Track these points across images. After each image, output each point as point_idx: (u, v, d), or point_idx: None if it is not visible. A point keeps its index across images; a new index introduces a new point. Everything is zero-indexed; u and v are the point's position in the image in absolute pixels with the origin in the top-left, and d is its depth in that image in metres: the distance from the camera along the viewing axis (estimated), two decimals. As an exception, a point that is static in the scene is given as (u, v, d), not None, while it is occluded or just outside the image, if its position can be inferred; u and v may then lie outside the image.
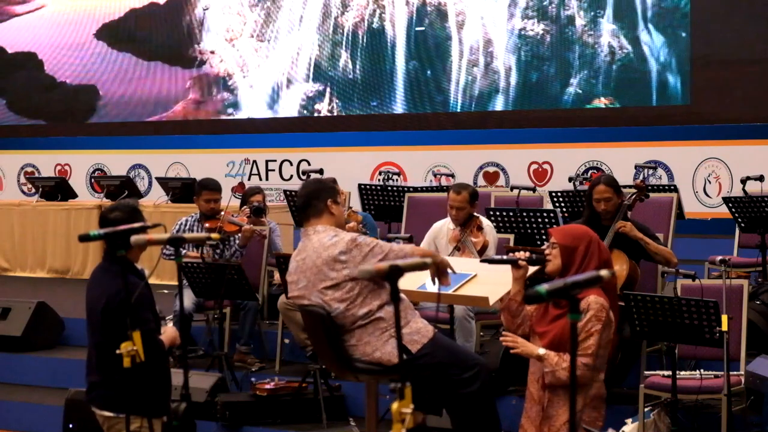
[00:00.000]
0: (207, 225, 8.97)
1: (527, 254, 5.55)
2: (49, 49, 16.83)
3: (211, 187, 9.22)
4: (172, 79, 16.06)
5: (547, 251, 5.50)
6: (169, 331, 5.49)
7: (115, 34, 16.37)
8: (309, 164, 14.54)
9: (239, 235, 8.97)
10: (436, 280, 5.59)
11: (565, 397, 5.35)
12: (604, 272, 3.76)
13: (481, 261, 5.88)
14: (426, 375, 5.80)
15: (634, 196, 7.90)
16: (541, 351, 5.37)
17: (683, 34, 12.95)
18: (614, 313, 5.50)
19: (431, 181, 13.45)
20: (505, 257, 5.69)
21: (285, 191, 10.29)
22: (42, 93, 16.89)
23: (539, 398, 5.49)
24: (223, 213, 9.05)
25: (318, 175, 10.49)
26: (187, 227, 9.07)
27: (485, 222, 8.21)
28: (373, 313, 5.72)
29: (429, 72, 14.39)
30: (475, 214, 8.15)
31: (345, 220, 6.23)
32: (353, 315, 5.70)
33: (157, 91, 16.13)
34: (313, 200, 5.85)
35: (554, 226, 8.48)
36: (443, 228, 8.22)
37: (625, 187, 8.00)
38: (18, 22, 17.03)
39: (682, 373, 6.87)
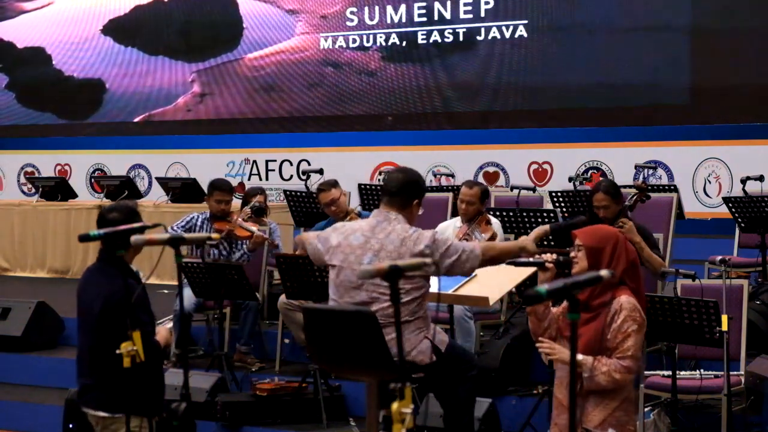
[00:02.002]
0: (216, 226, 8.95)
1: (554, 256, 5.45)
2: (57, 44, 16.99)
3: (223, 188, 9.20)
4: (176, 73, 16.12)
5: (572, 254, 5.40)
6: (162, 332, 5.49)
7: (121, 29, 16.53)
8: (309, 164, 14.55)
9: (249, 240, 8.96)
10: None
11: (595, 401, 5.24)
12: (604, 272, 3.75)
13: (507, 263, 5.81)
14: (444, 368, 5.95)
15: (635, 197, 7.91)
16: (579, 357, 5.19)
17: (684, 35, 12.94)
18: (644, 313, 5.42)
19: (431, 181, 13.44)
20: (531, 260, 5.58)
21: (285, 191, 10.28)
22: (50, 87, 17.02)
23: (569, 404, 5.36)
24: (236, 217, 9.02)
25: (318, 175, 10.54)
26: (199, 223, 9.04)
27: (493, 219, 8.27)
28: (418, 313, 5.79)
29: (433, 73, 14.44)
30: (483, 211, 8.20)
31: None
32: (407, 309, 5.71)
33: (161, 84, 16.21)
34: (405, 192, 5.88)
35: (552, 221, 8.49)
36: (450, 227, 8.25)
37: (625, 187, 8.01)
38: (27, 19, 17.25)
39: (682, 373, 6.87)
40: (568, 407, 5.27)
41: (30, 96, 17.19)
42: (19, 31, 17.25)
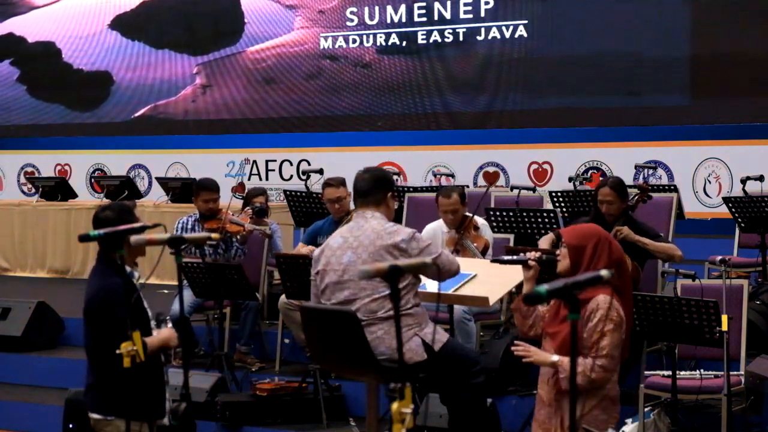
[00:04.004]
0: (206, 226, 8.93)
1: (537, 254, 5.50)
2: (66, 38, 17.19)
3: (210, 187, 9.17)
4: (180, 65, 16.21)
5: (557, 251, 5.44)
6: (164, 332, 5.39)
7: (127, 24, 16.73)
8: (309, 164, 14.55)
9: (240, 235, 8.95)
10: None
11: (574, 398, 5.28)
12: (604, 272, 3.75)
13: (492, 261, 5.85)
14: (443, 369, 5.95)
15: (636, 197, 7.92)
16: (555, 358, 5.24)
17: (683, 35, 12.94)
18: (628, 313, 5.38)
19: (431, 181, 13.45)
20: (515, 257, 5.63)
21: (285, 191, 10.27)
22: (59, 79, 17.20)
23: (549, 401, 5.37)
24: (224, 213, 9.01)
25: (318, 175, 10.53)
26: (189, 226, 9.03)
27: (480, 221, 8.17)
28: (406, 308, 5.79)
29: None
30: (467, 213, 8.10)
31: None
32: (390, 304, 5.67)
33: (166, 76, 16.33)
34: (377, 188, 5.97)
35: (554, 226, 8.49)
36: (437, 231, 8.11)
37: (627, 187, 8.01)
38: (38, 14, 17.50)
39: (682, 373, 6.86)
40: (547, 403, 5.36)
41: (40, 89, 17.41)
42: (30, 26, 17.48)
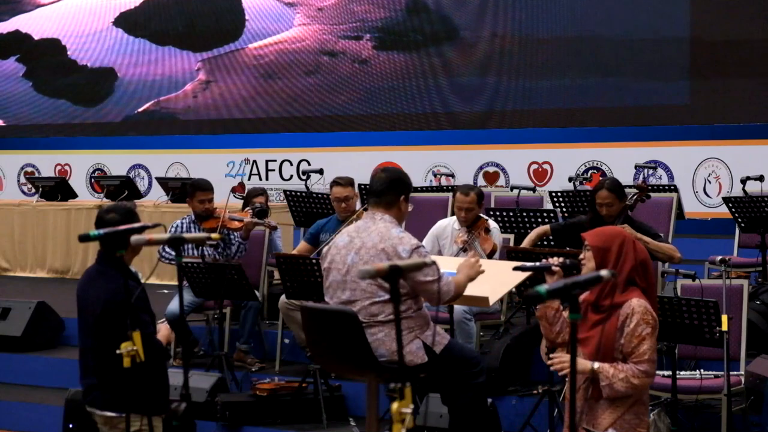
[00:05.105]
0: (204, 226, 8.91)
1: (560, 259, 5.41)
2: (71, 35, 17.34)
3: (204, 186, 9.15)
4: (182, 61, 16.28)
5: (581, 255, 5.34)
6: (162, 330, 5.48)
7: (131, 21, 16.87)
8: (309, 164, 14.55)
9: (241, 232, 8.94)
10: None
11: (606, 404, 5.18)
12: (604, 272, 3.74)
13: (514, 269, 5.78)
14: (445, 370, 5.95)
15: (635, 197, 7.92)
16: (595, 365, 5.13)
17: (684, 34, 12.94)
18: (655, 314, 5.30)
19: (431, 181, 13.46)
20: (538, 264, 5.52)
21: (285, 191, 10.28)
22: (65, 76, 17.31)
23: (580, 408, 5.22)
24: (222, 211, 8.98)
25: (318, 175, 10.54)
26: (184, 229, 9.00)
27: (492, 224, 8.15)
28: (407, 312, 5.78)
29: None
30: (481, 215, 8.10)
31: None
32: (390, 308, 5.67)
33: (169, 72, 16.42)
34: (392, 190, 5.92)
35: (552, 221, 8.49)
36: (448, 227, 8.15)
37: (626, 187, 8.01)
38: (43, 12, 17.67)
39: (682, 373, 6.86)
40: (579, 410, 5.22)
41: (46, 84, 17.54)
42: (35, 24, 17.63)
